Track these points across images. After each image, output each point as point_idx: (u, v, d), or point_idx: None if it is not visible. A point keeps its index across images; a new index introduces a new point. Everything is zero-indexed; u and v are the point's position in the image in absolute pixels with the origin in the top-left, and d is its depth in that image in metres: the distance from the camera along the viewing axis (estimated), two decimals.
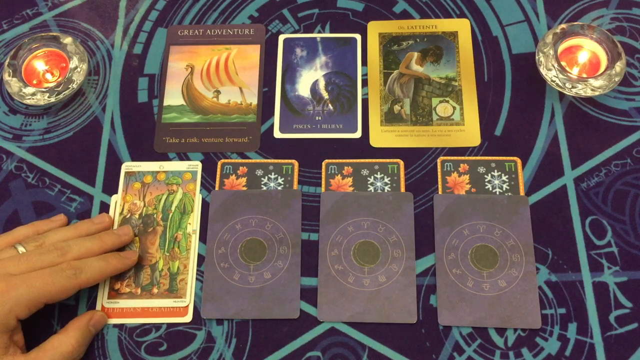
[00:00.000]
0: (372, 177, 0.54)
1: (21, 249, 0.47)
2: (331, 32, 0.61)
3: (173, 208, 0.54)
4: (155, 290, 0.51)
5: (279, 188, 0.54)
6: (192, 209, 0.54)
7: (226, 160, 0.56)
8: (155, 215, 0.54)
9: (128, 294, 0.51)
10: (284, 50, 0.61)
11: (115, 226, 0.53)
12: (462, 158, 0.55)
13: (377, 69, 0.59)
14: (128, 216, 0.54)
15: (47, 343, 0.46)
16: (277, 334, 0.50)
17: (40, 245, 0.48)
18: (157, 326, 0.50)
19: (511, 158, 0.54)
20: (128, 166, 0.55)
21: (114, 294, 0.51)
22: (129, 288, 0.51)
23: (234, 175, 0.55)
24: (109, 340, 0.50)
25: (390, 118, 0.57)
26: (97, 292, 0.51)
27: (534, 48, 0.59)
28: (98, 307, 0.51)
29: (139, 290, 0.51)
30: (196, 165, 0.55)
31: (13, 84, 0.57)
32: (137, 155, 0.56)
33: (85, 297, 0.51)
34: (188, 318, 0.50)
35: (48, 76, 0.59)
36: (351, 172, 0.55)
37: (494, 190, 0.53)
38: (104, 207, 0.54)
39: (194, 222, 0.53)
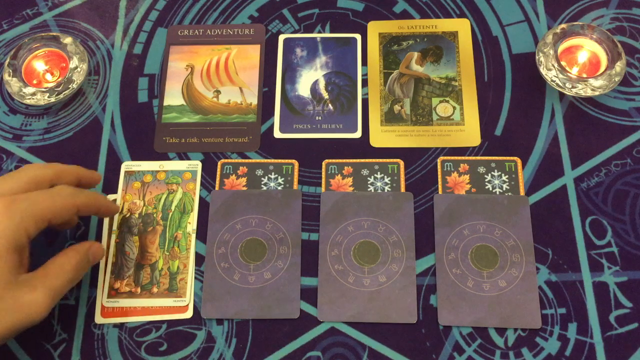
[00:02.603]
0: (372, 177, 0.54)
1: None
2: (331, 32, 0.61)
3: (173, 207, 0.54)
4: (155, 290, 0.51)
5: (279, 188, 0.54)
6: (192, 208, 0.54)
7: (226, 160, 0.56)
8: (155, 215, 0.54)
9: (128, 293, 0.51)
10: (284, 50, 0.61)
11: (115, 225, 0.53)
12: (462, 158, 0.55)
13: (377, 69, 0.59)
14: (128, 215, 0.54)
15: (50, 263, 0.45)
16: (277, 334, 0.50)
17: None
18: (157, 326, 0.50)
19: (511, 158, 0.54)
20: (128, 165, 0.55)
21: (114, 293, 0.51)
22: (128, 287, 0.51)
23: (234, 175, 0.55)
24: (109, 340, 0.50)
25: (390, 118, 0.57)
26: (96, 292, 0.51)
27: (534, 48, 0.59)
28: (97, 306, 0.51)
29: (138, 290, 0.51)
30: (196, 165, 0.55)
31: (13, 84, 0.58)
32: (137, 155, 0.56)
33: (85, 296, 0.51)
34: (188, 314, 0.50)
35: (48, 76, 0.59)
36: (351, 172, 0.55)
37: (494, 190, 0.53)
38: None
39: (193, 222, 0.53)
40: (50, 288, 0.43)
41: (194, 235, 0.53)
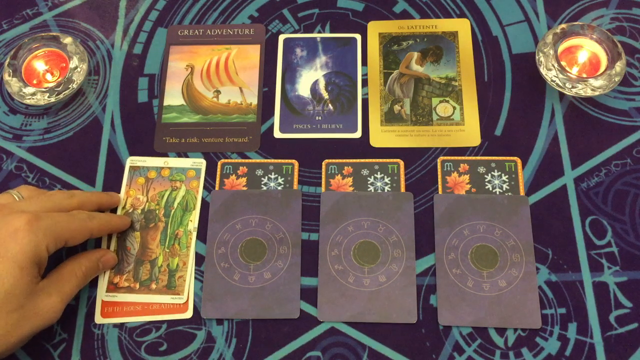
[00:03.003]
0: (372, 177, 0.54)
1: (19, 196, 0.49)
2: (331, 32, 0.61)
3: (175, 205, 0.54)
4: (153, 286, 0.51)
5: (279, 188, 0.54)
6: (195, 206, 0.54)
7: (226, 160, 0.56)
8: (157, 211, 0.54)
9: (126, 288, 0.51)
10: (284, 50, 0.61)
11: None
12: (462, 158, 0.55)
13: (377, 69, 0.59)
14: (130, 211, 0.54)
15: (63, 267, 0.48)
16: (277, 334, 0.50)
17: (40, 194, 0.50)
18: (157, 326, 0.50)
19: (511, 158, 0.54)
20: (133, 160, 0.56)
21: (113, 287, 0.51)
22: (127, 282, 0.51)
23: (234, 175, 0.55)
24: (109, 340, 0.50)
25: (390, 118, 0.57)
26: (96, 291, 0.51)
27: (534, 48, 0.59)
28: (97, 306, 0.51)
29: (137, 285, 0.51)
30: (200, 163, 0.55)
31: (13, 84, 0.58)
32: (137, 155, 0.56)
33: (85, 296, 0.51)
34: (188, 314, 0.50)
35: (48, 76, 0.59)
36: (351, 172, 0.55)
37: (494, 190, 0.53)
38: None
39: (195, 220, 0.53)
40: (63, 292, 0.47)
41: (194, 234, 0.53)
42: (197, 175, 0.55)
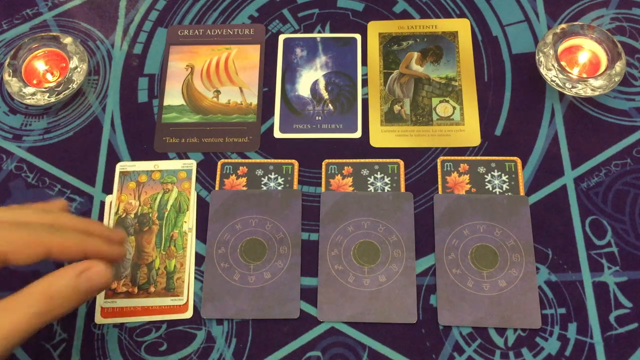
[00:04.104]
0: (372, 177, 0.54)
1: None
2: (331, 32, 0.61)
3: (168, 207, 0.54)
4: (152, 289, 0.51)
5: (279, 188, 0.54)
6: (188, 207, 0.54)
7: (226, 160, 0.56)
8: (150, 215, 0.54)
9: (125, 293, 0.51)
10: (284, 50, 0.61)
11: (111, 226, 0.53)
12: (462, 158, 0.55)
13: (377, 69, 0.59)
14: (123, 216, 0.54)
15: (22, 290, 0.37)
16: (277, 334, 0.50)
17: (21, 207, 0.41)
18: (157, 326, 0.50)
19: (511, 158, 0.54)
20: (123, 166, 0.56)
21: (111, 293, 0.51)
22: (125, 287, 0.51)
23: (234, 175, 0.55)
24: (109, 340, 0.50)
25: (390, 118, 0.57)
26: None
27: (534, 48, 0.59)
28: (97, 306, 0.51)
29: (135, 290, 0.51)
30: (191, 164, 0.55)
31: (13, 84, 0.58)
32: (137, 155, 0.56)
33: None
34: (188, 314, 0.50)
35: (48, 76, 0.59)
36: (351, 172, 0.55)
37: (494, 190, 0.53)
38: (104, 207, 0.54)
39: (189, 221, 0.53)
40: (4, 327, 0.35)
41: (190, 235, 0.53)
42: (188, 177, 0.55)
